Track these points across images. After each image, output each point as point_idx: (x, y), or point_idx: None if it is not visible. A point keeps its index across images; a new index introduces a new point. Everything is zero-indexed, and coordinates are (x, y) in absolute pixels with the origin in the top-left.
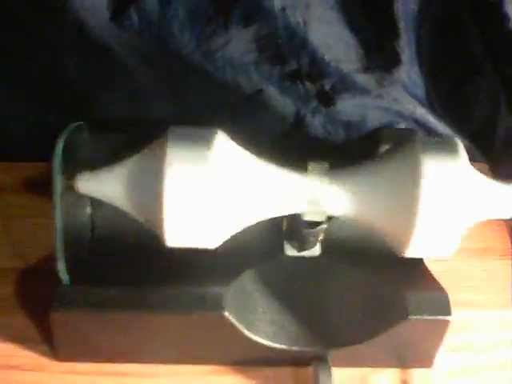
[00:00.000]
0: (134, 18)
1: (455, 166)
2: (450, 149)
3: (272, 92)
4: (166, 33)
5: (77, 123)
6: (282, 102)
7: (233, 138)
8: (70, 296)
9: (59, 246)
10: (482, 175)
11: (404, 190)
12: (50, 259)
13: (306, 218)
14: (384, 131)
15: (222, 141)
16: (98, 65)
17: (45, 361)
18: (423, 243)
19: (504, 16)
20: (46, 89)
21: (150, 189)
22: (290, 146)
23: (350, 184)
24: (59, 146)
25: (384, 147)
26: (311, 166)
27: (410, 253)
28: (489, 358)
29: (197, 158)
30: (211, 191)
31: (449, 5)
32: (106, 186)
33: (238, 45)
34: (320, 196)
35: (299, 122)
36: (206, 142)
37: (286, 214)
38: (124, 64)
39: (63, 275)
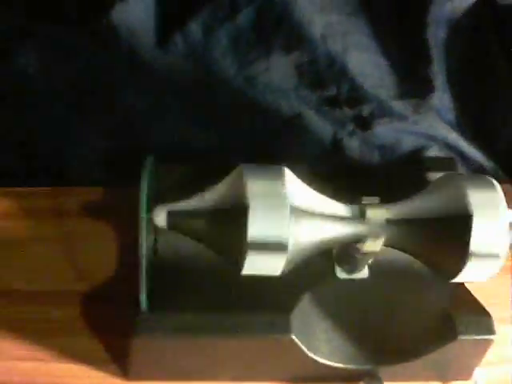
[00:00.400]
0: (179, 42)
1: (498, 201)
2: (491, 187)
3: (310, 116)
4: (208, 58)
5: (150, 156)
6: (320, 125)
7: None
8: (151, 323)
9: (143, 275)
10: None
11: (456, 225)
12: (113, 282)
13: (364, 247)
14: (425, 159)
15: (290, 177)
16: (147, 91)
17: (113, 380)
18: (471, 272)
19: None
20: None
21: (230, 223)
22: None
23: (403, 217)
24: (144, 183)
25: (427, 175)
26: (365, 199)
27: (457, 280)
28: None
29: (273, 194)
30: (285, 223)
31: (476, 32)
32: (184, 220)
33: (278, 71)
34: (376, 228)
35: (336, 144)
36: (279, 178)
37: (345, 243)
38: (169, 90)
39: (145, 303)
